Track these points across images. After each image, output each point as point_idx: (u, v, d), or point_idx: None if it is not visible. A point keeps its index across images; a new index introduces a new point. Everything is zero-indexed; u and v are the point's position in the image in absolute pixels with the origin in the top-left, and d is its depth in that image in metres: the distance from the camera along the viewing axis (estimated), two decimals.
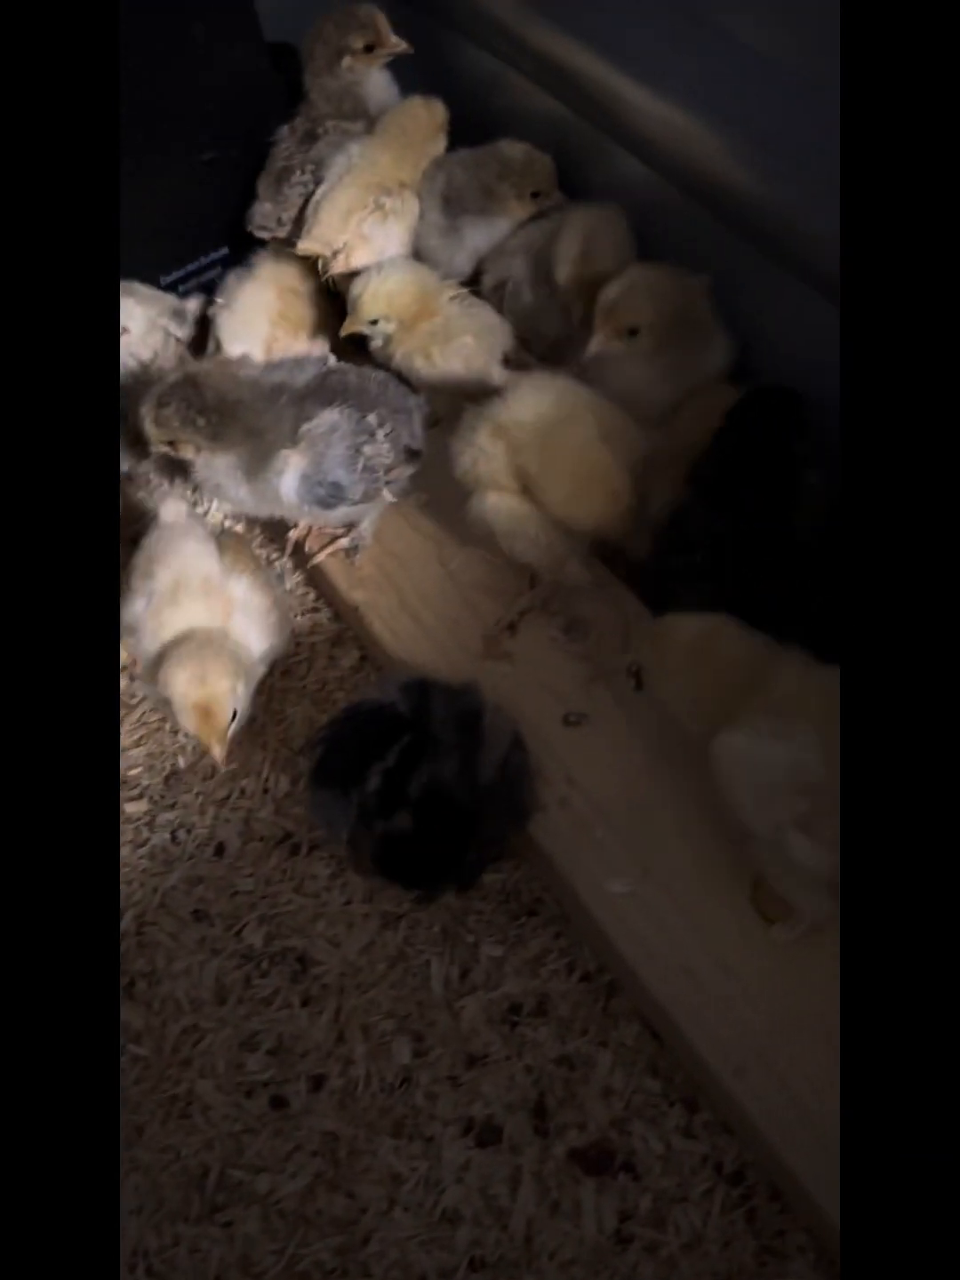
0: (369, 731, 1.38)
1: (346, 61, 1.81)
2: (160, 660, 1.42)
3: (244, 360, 1.70)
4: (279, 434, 1.54)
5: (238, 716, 1.43)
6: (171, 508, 1.58)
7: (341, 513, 1.57)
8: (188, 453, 1.54)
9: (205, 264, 1.98)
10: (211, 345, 1.82)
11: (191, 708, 1.38)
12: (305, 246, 1.72)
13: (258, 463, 1.53)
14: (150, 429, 1.53)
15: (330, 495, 1.56)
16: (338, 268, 1.71)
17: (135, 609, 1.47)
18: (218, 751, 1.40)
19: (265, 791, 1.60)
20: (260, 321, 1.79)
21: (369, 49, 1.79)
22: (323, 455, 1.53)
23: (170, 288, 1.95)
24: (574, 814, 1.38)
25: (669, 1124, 1.32)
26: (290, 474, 1.54)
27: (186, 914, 1.52)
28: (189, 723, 1.39)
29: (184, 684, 1.38)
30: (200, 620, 1.45)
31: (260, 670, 1.51)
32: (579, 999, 1.41)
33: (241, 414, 1.53)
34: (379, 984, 1.44)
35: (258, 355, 1.77)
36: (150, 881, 1.55)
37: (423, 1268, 1.26)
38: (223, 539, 1.58)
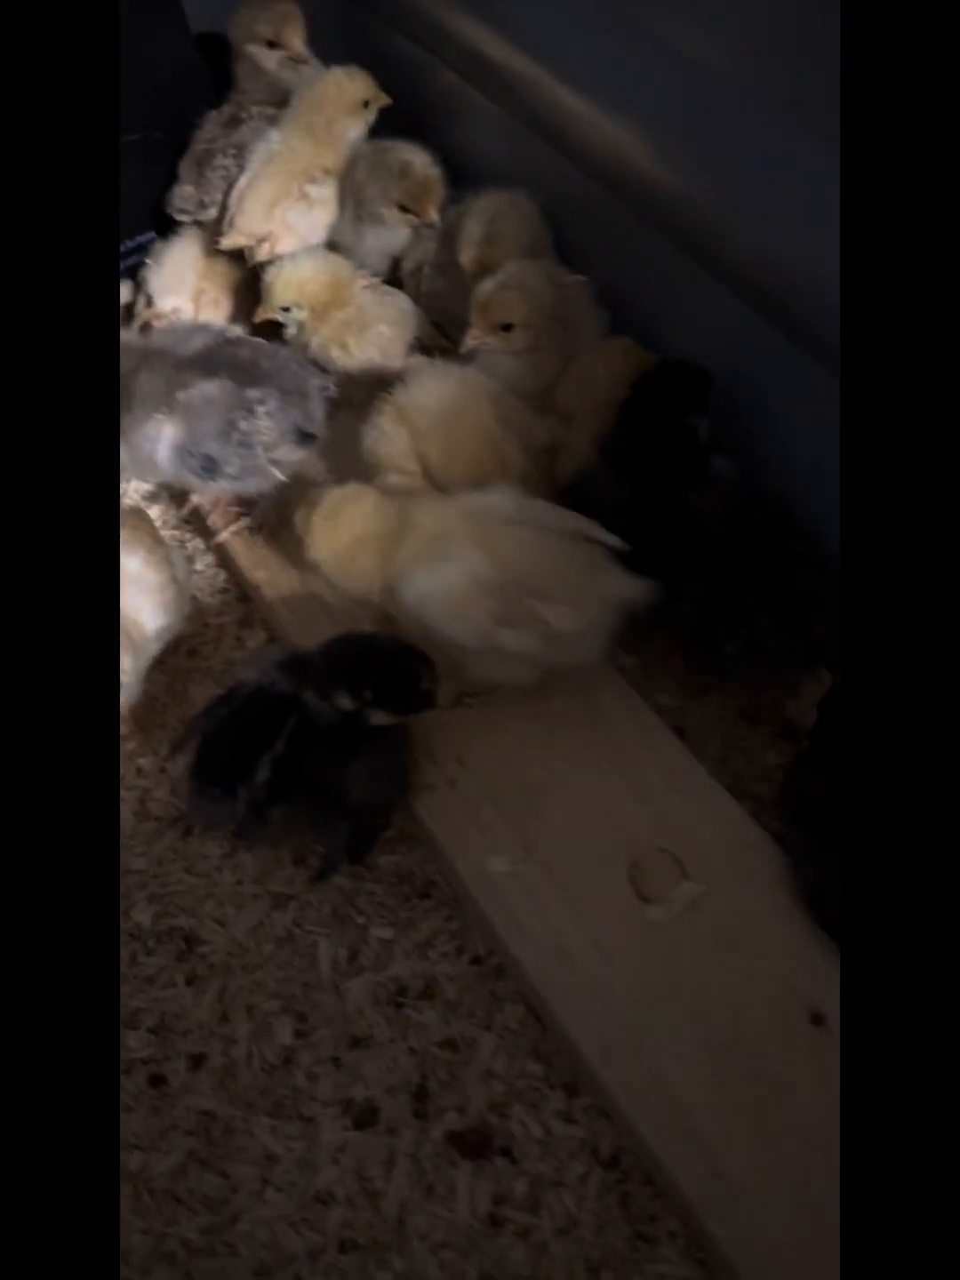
0: (250, 717, 1.36)
1: (251, 49, 1.82)
2: None
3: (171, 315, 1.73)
4: (151, 399, 1.53)
5: (127, 691, 1.41)
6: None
7: (224, 486, 1.57)
8: None
9: (132, 247, 1.98)
10: (142, 301, 1.81)
11: None
12: (230, 240, 1.73)
13: (131, 426, 1.53)
14: None
15: (203, 467, 1.56)
16: (263, 256, 1.72)
17: None
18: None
19: (162, 770, 1.58)
20: (188, 275, 1.80)
21: (271, 45, 1.80)
22: (195, 426, 1.53)
23: None
24: (462, 794, 1.37)
25: (549, 1108, 1.31)
26: (164, 441, 1.54)
27: None
28: None
29: None
30: None
31: (154, 647, 1.50)
32: (467, 982, 1.40)
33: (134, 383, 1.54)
34: (266, 964, 1.42)
35: (187, 309, 1.78)
36: None
37: (292, 1248, 1.24)
38: (123, 512, 1.56)
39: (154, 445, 1.54)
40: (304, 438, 1.60)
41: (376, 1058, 1.36)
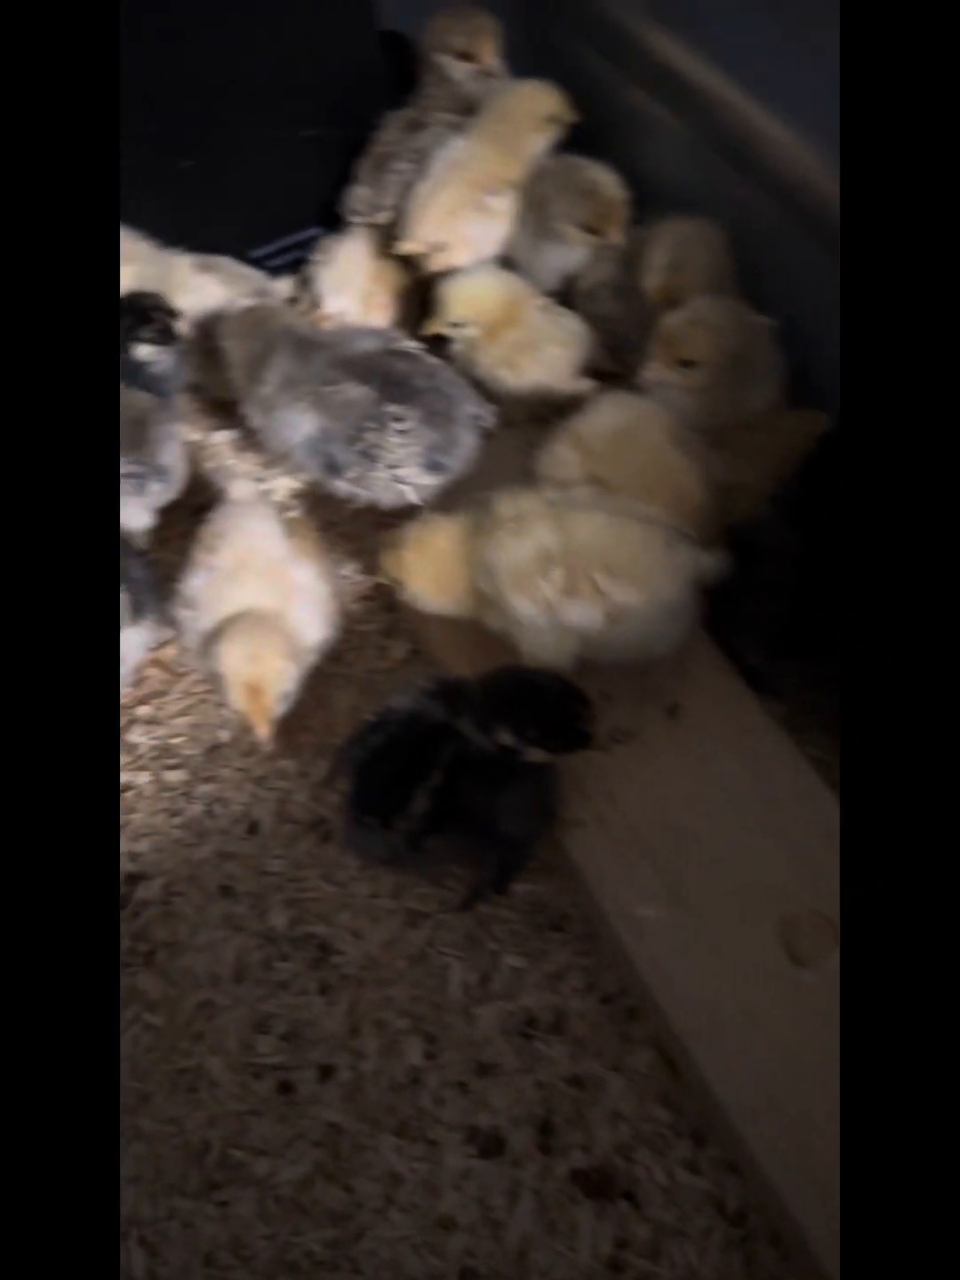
0: (406, 747, 1.36)
1: (442, 58, 1.81)
2: (215, 635, 1.42)
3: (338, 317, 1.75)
4: (299, 386, 1.57)
5: (285, 699, 1.43)
6: (240, 486, 1.59)
7: (345, 489, 1.58)
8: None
9: (295, 242, 1.99)
10: (309, 302, 1.82)
11: (241, 685, 1.38)
12: (405, 246, 1.72)
13: (275, 405, 1.58)
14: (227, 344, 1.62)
15: (326, 465, 1.58)
16: (436, 266, 1.71)
17: (195, 583, 1.48)
18: (263, 731, 1.40)
19: (303, 775, 1.60)
20: (357, 277, 1.80)
21: (464, 56, 1.79)
22: (329, 425, 1.55)
23: (258, 262, 1.96)
24: (610, 833, 1.36)
25: (675, 1156, 1.31)
26: (301, 432, 1.58)
27: (214, 888, 1.52)
28: (237, 699, 1.39)
29: (237, 660, 1.38)
30: (260, 601, 1.45)
31: (310, 658, 1.51)
32: (597, 1020, 1.39)
33: (273, 358, 1.60)
34: (398, 981, 1.43)
35: (354, 312, 1.78)
36: (181, 852, 1.55)
37: (413, 1271, 1.25)
38: (290, 522, 1.57)
39: (293, 433, 1.58)
40: (435, 465, 1.59)
41: (503, 1087, 1.36)
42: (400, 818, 1.32)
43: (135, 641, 1.52)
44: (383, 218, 1.80)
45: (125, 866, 1.54)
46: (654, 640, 1.43)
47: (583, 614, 1.40)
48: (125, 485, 1.68)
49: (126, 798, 1.61)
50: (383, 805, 1.34)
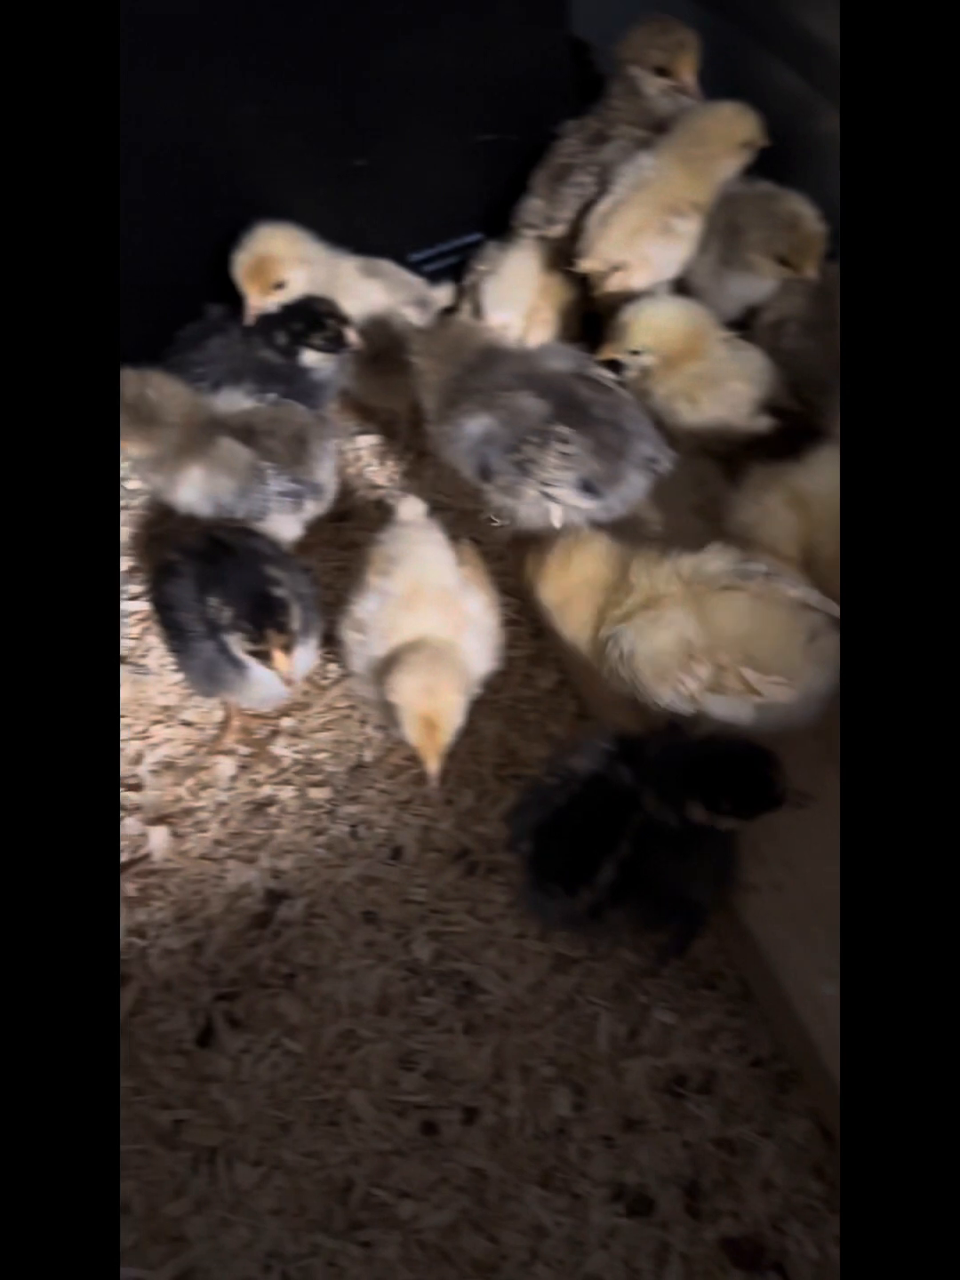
0: (590, 812, 1.32)
1: (635, 71, 1.75)
2: (389, 663, 1.39)
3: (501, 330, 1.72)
4: (479, 394, 1.54)
5: (456, 733, 1.39)
6: (409, 506, 1.55)
7: (498, 497, 1.56)
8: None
9: (455, 247, 1.94)
10: (469, 309, 1.77)
11: (418, 718, 1.35)
12: (585, 263, 1.66)
13: (456, 415, 1.55)
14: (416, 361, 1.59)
15: (479, 467, 1.55)
16: (613, 286, 1.66)
17: (367, 607, 1.45)
18: (434, 766, 1.37)
19: (448, 803, 1.57)
20: (525, 291, 1.75)
21: (662, 72, 1.72)
22: (495, 429, 1.52)
23: (417, 266, 1.91)
24: (788, 903, 1.33)
25: (827, 1231, 1.28)
26: (468, 433, 1.54)
27: (357, 913, 1.50)
28: (412, 732, 1.36)
29: (413, 693, 1.35)
30: (433, 630, 1.41)
31: (476, 691, 1.47)
32: (748, 1083, 1.36)
33: (460, 371, 1.57)
34: (544, 1026, 1.40)
35: (517, 325, 1.74)
36: (325, 873, 1.53)
37: None
38: (460, 550, 1.54)
39: (462, 435, 1.55)
40: (589, 490, 1.54)
41: (650, 1145, 1.33)
42: (586, 888, 1.29)
43: (304, 659, 1.49)
44: (556, 231, 1.75)
45: (268, 883, 1.52)
46: (801, 722, 1.39)
47: (729, 708, 1.36)
48: (283, 503, 1.65)
49: (271, 812, 1.58)
50: (567, 873, 1.30)
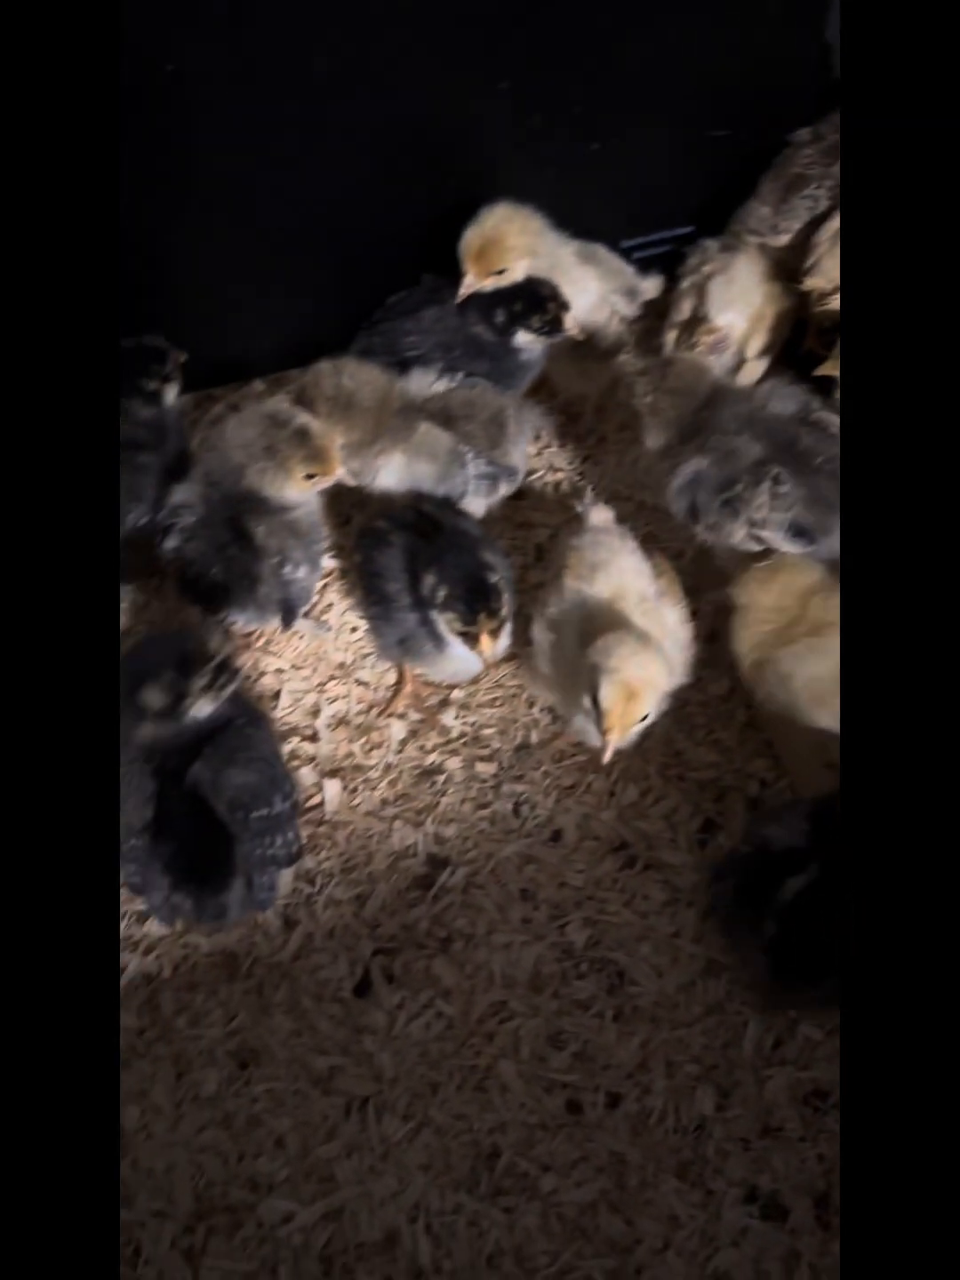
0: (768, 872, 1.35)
1: None
2: (598, 633, 1.40)
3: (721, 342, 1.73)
4: (698, 435, 1.57)
5: (644, 723, 1.41)
6: (599, 512, 1.57)
7: (705, 535, 1.59)
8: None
9: (666, 238, 1.94)
10: (687, 309, 1.77)
11: (622, 683, 1.35)
12: (813, 283, 1.66)
13: (681, 453, 1.59)
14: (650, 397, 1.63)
15: (687, 507, 1.58)
16: (836, 306, 1.65)
17: (563, 608, 1.47)
18: (614, 739, 1.37)
19: (611, 794, 1.60)
20: (754, 296, 1.75)
21: None
22: (708, 470, 1.55)
23: (627, 253, 1.91)
24: None
25: None
26: (684, 474, 1.57)
27: (515, 889, 1.54)
28: (610, 696, 1.35)
29: (624, 659, 1.36)
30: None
31: (663, 705, 1.49)
32: None
33: (692, 410, 1.60)
34: (693, 1026, 1.44)
35: (741, 328, 1.74)
36: (487, 845, 1.57)
37: None
38: (655, 560, 1.55)
39: (678, 475, 1.57)
40: (802, 535, 1.54)
41: (786, 1153, 1.37)
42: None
43: (503, 643, 1.52)
44: (780, 241, 1.74)
45: (431, 848, 1.57)
46: None
47: None
48: (479, 486, 1.67)
49: (437, 780, 1.63)
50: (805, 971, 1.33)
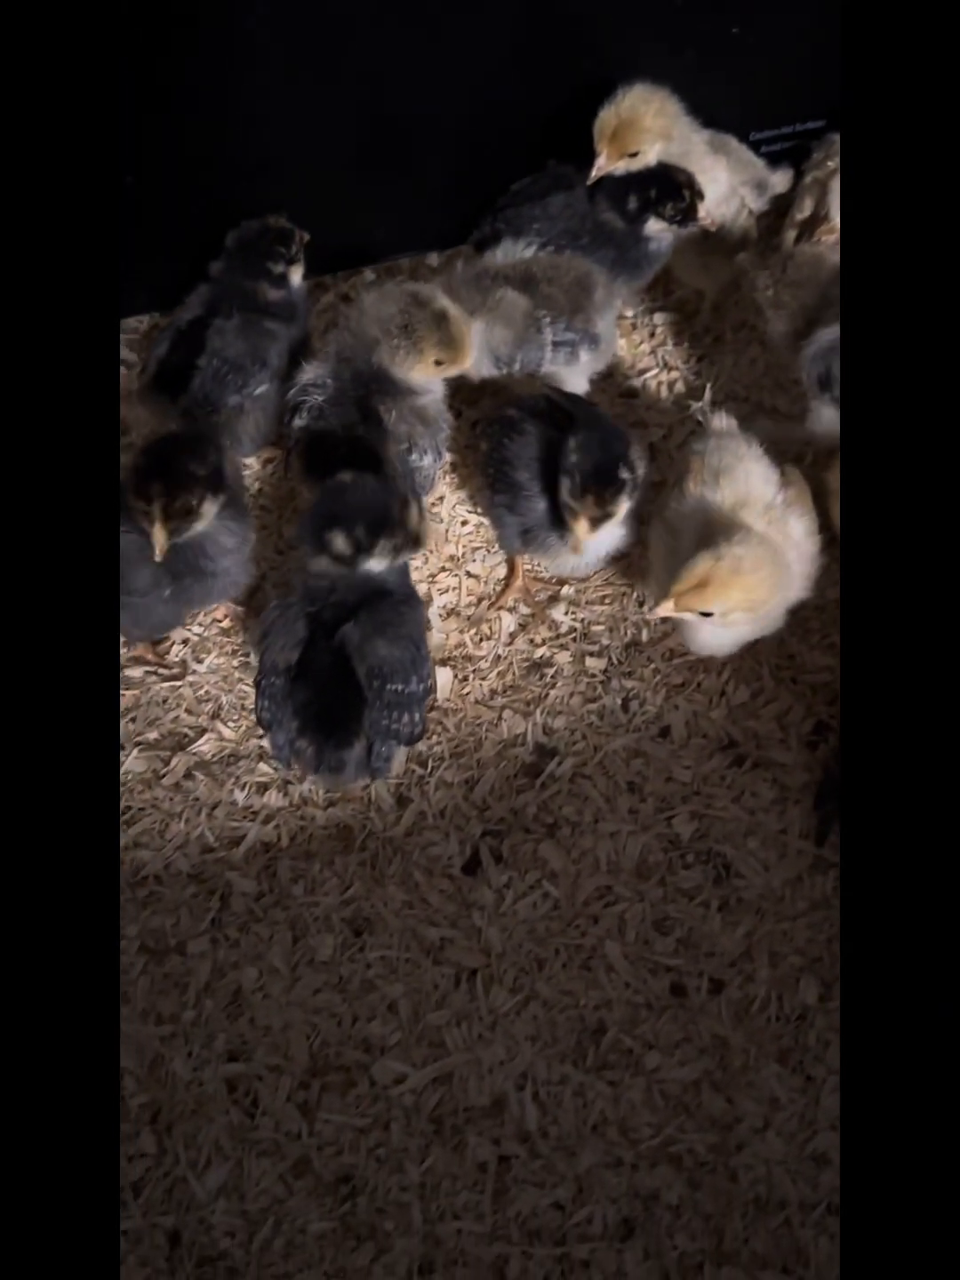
0: None
1: None
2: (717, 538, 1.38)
3: None
4: (818, 319, 1.57)
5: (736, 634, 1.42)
6: (720, 419, 1.55)
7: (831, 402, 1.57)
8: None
9: (797, 132, 1.88)
10: (809, 205, 1.73)
11: (712, 569, 1.34)
12: None
13: (806, 324, 1.60)
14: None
15: (820, 376, 1.58)
16: None
17: (683, 512, 1.45)
18: (665, 608, 1.36)
19: (722, 694, 1.61)
20: None
21: None
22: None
23: (756, 146, 1.86)
24: None
25: None
26: (821, 338, 1.57)
27: (622, 781, 1.56)
28: (695, 571, 1.34)
29: (736, 554, 1.34)
30: None
31: (781, 622, 1.48)
32: None
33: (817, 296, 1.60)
34: (798, 919, 1.46)
35: None
36: (594, 738, 1.59)
37: (785, 1193, 1.32)
38: (786, 471, 1.53)
39: (812, 343, 1.59)
40: None
41: None
42: None
43: (610, 539, 1.52)
44: None
45: (538, 738, 1.59)
46: None
47: None
48: (558, 353, 1.66)
49: (547, 673, 1.64)
50: None
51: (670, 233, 1.70)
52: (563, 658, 1.65)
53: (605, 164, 1.67)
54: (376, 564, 1.41)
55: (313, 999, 1.43)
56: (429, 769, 1.57)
